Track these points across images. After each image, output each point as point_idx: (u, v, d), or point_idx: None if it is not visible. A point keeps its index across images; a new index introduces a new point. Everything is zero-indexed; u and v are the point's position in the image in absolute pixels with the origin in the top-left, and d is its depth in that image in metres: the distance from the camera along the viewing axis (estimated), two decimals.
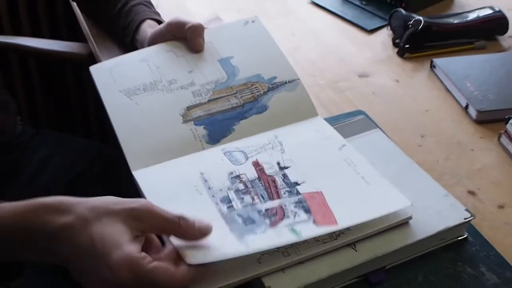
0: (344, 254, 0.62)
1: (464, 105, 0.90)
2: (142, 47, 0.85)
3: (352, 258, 0.62)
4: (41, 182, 0.93)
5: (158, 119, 0.73)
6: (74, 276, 0.54)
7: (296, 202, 0.64)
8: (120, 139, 0.71)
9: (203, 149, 0.72)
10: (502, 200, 0.74)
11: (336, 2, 1.18)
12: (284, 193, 0.65)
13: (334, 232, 0.63)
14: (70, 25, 1.60)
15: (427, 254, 0.65)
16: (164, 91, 0.76)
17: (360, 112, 0.87)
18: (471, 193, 0.75)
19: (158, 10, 0.97)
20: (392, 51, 1.04)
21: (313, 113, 0.77)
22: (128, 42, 0.92)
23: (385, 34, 1.09)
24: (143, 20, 0.90)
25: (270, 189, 0.66)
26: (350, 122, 0.81)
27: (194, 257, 0.56)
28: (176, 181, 0.67)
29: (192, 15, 1.13)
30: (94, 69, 0.78)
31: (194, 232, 0.56)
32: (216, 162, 0.70)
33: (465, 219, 0.66)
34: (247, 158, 0.70)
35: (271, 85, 0.78)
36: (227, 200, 0.64)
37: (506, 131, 0.82)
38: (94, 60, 1.02)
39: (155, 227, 0.56)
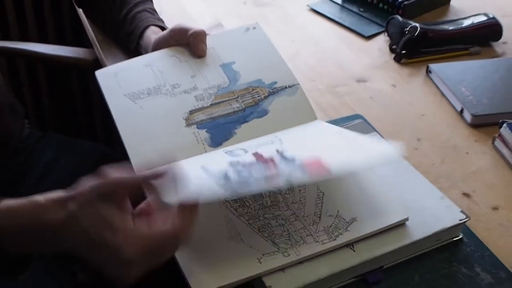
0: (343, 255, 0.63)
1: (459, 109, 0.91)
2: (146, 52, 0.86)
3: (350, 258, 0.63)
4: (47, 184, 0.92)
5: (161, 123, 0.74)
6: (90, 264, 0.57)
7: (292, 166, 0.64)
8: (125, 141, 0.72)
9: (206, 152, 0.72)
10: (496, 202, 0.75)
11: (335, 9, 1.19)
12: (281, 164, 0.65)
13: (333, 233, 0.64)
14: (76, 31, 1.61)
15: (423, 255, 0.66)
16: (168, 95, 0.76)
17: (358, 116, 0.88)
18: (466, 195, 0.76)
19: (161, 17, 0.98)
20: (389, 57, 1.05)
21: (313, 117, 0.77)
22: (132, 48, 0.92)
23: (382, 40, 1.10)
24: (147, 27, 0.91)
25: (268, 164, 0.65)
26: (348, 126, 0.82)
27: (172, 197, 0.57)
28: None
29: (194, 21, 1.13)
30: (99, 74, 0.79)
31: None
32: (217, 158, 0.70)
33: (460, 220, 0.67)
34: (247, 152, 0.70)
35: (272, 89, 0.78)
36: (225, 177, 0.63)
37: (500, 135, 0.83)
38: (99, 65, 1.02)
39: (129, 192, 0.58)
